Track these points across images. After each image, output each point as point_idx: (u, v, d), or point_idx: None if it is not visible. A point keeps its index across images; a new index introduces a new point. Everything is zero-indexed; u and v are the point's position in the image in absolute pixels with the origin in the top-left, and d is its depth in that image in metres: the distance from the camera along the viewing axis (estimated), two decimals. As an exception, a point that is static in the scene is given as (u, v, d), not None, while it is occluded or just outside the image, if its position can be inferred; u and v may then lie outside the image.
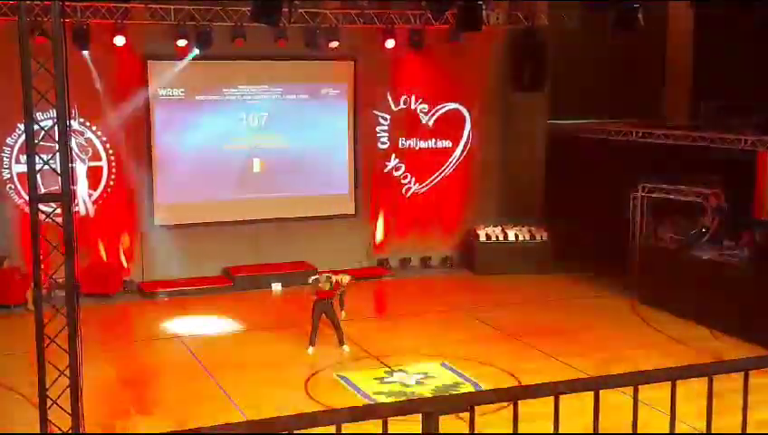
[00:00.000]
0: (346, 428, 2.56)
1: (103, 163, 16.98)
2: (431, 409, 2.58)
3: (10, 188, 16.36)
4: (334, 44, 17.49)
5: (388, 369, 12.88)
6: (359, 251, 18.49)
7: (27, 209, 10.37)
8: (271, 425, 2.41)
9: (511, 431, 2.84)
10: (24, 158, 13.12)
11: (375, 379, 12.49)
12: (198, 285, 17.22)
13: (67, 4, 13.83)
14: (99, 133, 16.86)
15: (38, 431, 8.60)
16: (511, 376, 12.49)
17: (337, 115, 18.58)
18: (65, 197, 8.12)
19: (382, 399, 11.60)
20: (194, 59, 16.94)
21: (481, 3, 15.76)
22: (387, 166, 19.15)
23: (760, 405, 4.17)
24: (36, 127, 8.21)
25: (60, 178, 8.11)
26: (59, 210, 8.25)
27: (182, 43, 16.47)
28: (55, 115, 8.11)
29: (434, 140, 19.38)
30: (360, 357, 13.47)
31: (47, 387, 8.27)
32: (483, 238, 18.98)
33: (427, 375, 12.61)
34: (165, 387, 12.61)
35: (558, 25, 18.84)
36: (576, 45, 19.17)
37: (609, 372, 11.50)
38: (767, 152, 15.72)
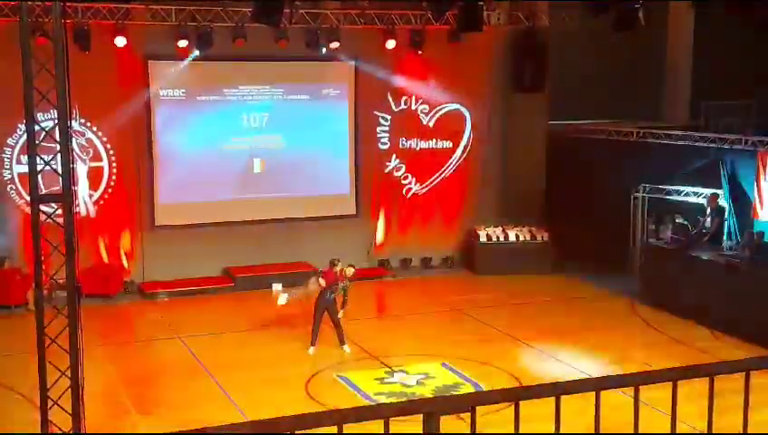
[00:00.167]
0: (346, 428, 2.57)
1: (104, 164, 16.99)
2: (433, 409, 2.59)
3: (11, 188, 16.36)
4: (335, 45, 17.50)
5: (388, 369, 12.88)
6: (359, 251, 18.48)
7: (28, 210, 10.39)
8: (275, 425, 2.42)
9: (511, 432, 2.84)
10: (24, 158, 13.10)
11: (375, 379, 12.50)
12: (199, 285, 17.24)
13: (68, 4, 13.85)
14: (99, 134, 16.87)
15: (39, 432, 8.61)
16: (511, 376, 12.49)
17: (337, 116, 18.58)
18: (66, 197, 8.12)
19: (383, 399, 11.60)
20: (194, 59, 16.96)
21: (481, 3, 15.78)
22: (387, 166, 19.15)
23: (761, 405, 4.17)
24: (37, 127, 8.22)
25: (61, 178, 8.11)
26: (60, 211, 8.26)
27: (183, 43, 16.48)
28: (56, 116, 8.12)
29: (434, 141, 19.38)
30: (360, 357, 13.47)
31: (48, 387, 8.28)
32: (483, 239, 18.98)
33: (428, 376, 12.61)
34: (165, 387, 12.61)
35: (558, 26, 18.85)
36: (576, 45, 19.20)
37: (610, 373, 11.55)
38: (767, 152, 15.72)
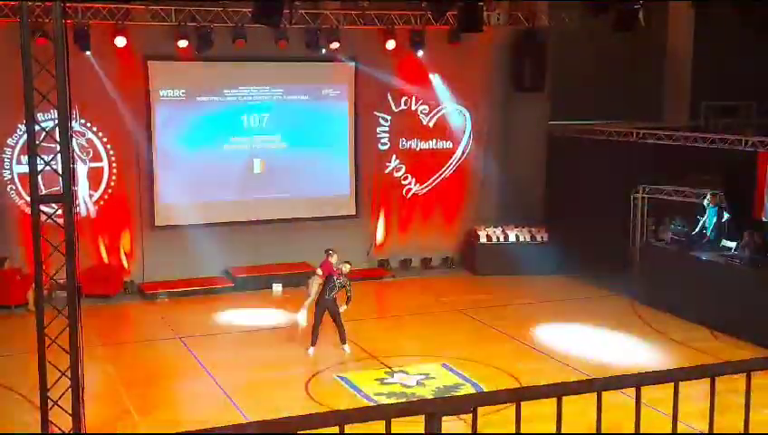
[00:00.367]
0: (347, 428, 2.57)
1: (104, 164, 16.99)
2: (435, 409, 2.59)
3: (11, 188, 16.36)
4: (335, 45, 17.49)
5: (388, 370, 12.88)
6: (359, 252, 18.48)
7: (28, 210, 10.39)
8: (281, 425, 2.42)
9: (511, 432, 2.84)
10: (24, 158, 13.11)
11: (376, 380, 12.49)
12: (199, 285, 17.23)
13: (68, 5, 13.85)
14: (100, 134, 16.87)
15: (39, 432, 8.61)
16: (511, 377, 12.49)
17: (337, 116, 18.58)
18: (66, 197, 8.13)
19: (383, 400, 11.60)
20: (195, 60, 16.96)
21: (481, 3, 15.78)
22: (387, 167, 19.15)
23: (762, 406, 4.17)
24: (37, 128, 8.22)
25: (61, 178, 8.11)
26: (60, 211, 8.26)
27: (183, 43, 16.47)
28: (56, 116, 8.12)
29: (434, 141, 19.38)
30: (360, 358, 13.47)
31: (48, 387, 8.28)
32: (483, 239, 18.98)
33: (428, 376, 12.61)
34: (165, 387, 12.61)
35: (558, 26, 18.85)
36: (576, 45, 19.19)
37: (610, 373, 11.52)
38: (767, 152, 15.72)
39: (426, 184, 19.48)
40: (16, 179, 16.31)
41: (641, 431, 3.04)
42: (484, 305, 16.34)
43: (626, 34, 16.05)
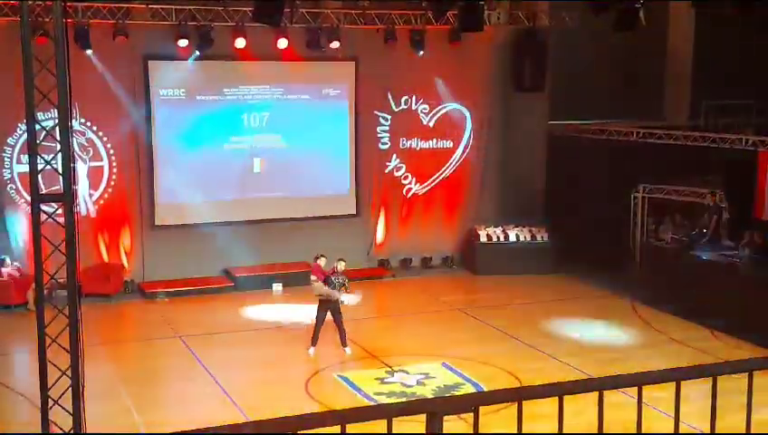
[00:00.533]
0: (347, 427, 2.57)
1: (104, 163, 16.98)
2: (436, 409, 2.59)
3: (11, 188, 16.35)
4: (335, 45, 17.48)
5: (388, 369, 12.88)
6: (359, 251, 18.47)
7: (28, 209, 10.38)
8: (278, 425, 2.41)
9: (511, 432, 2.84)
10: (25, 158, 13.11)
11: (376, 379, 12.49)
12: (199, 285, 17.23)
13: (68, 4, 13.83)
14: (100, 133, 16.86)
15: (39, 431, 8.60)
16: (511, 376, 12.49)
17: (338, 115, 18.57)
18: (67, 197, 8.11)
19: (383, 399, 11.60)
20: (195, 59, 16.96)
21: (482, 3, 15.78)
22: (388, 166, 19.15)
23: (763, 406, 4.16)
24: (38, 127, 8.21)
25: (61, 178, 8.10)
26: (60, 210, 8.25)
27: (183, 43, 16.46)
28: (57, 115, 8.11)
29: (435, 141, 19.37)
30: (360, 357, 13.47)
31: (48, 387, 8.27)
32: (483, 239, 18.98)
33: (428, 375, 12.61)
34: (165, 386, 12.61)
35: (558, 25, 18.84)
36: (576, 45, 19.19)
37: (610, 373, 11.51)
38: (767, 152, 15.72)
39: (426, 183, 19.47)
40: (17, 179, 16.29)
41: (642, 431, 3.05)
42: (484, 305, 16.35)
43: (626, 34, 16.05)
